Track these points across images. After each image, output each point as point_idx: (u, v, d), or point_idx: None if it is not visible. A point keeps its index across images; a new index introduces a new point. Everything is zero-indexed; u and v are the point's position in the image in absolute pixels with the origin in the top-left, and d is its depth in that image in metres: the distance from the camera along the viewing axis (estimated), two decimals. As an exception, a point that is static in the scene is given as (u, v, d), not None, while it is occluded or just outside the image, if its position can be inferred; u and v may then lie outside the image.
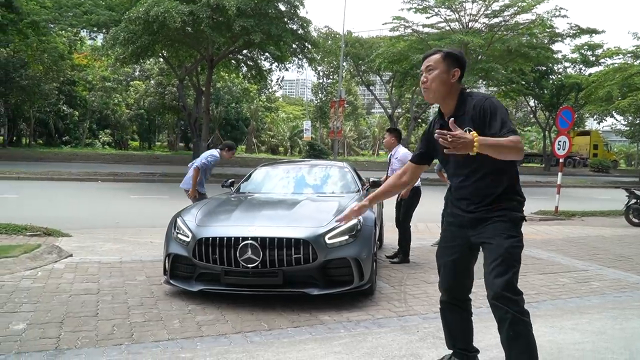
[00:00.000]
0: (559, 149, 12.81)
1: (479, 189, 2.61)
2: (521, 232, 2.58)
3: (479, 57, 23.88)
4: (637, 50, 27.53)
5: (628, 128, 46.36)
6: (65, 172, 18.58)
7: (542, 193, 19.40)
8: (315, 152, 31.75)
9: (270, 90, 40.42)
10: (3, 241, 6.46)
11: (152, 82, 40.97)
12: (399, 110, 40.48)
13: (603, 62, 32.12)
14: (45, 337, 3.45)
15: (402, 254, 6.47)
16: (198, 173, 6.84)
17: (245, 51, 22.48)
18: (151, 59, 29.52)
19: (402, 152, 6.48)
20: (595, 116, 39.26)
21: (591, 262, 6.75)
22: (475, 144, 2.23)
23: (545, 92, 35.82)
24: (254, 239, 4.22)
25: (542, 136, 42.41)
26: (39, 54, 28.27)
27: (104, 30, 23.00)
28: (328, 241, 4.34)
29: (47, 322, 3.75)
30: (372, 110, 76.31)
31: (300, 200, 5.30)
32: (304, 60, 21.24)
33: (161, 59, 27.17)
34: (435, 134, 2.30)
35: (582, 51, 33.22)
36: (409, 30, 25.11)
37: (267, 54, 22.92)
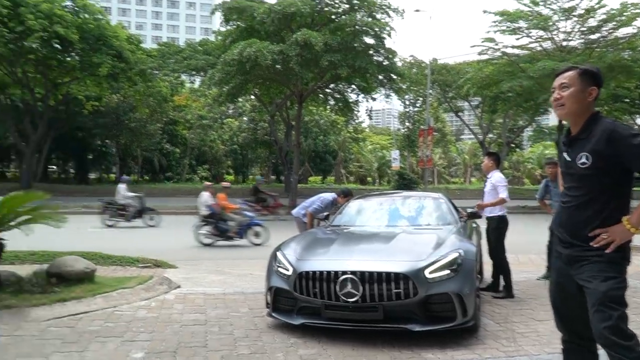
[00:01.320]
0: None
1: (573, 217, 2.48)
2: (623, 272, 2.39)
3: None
4: None
5: None
6: (170, 206, 19.97)
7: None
8: (404, 181, 31.35)
9: (356, 121, 40.96)
10: (119, 272, 7.00)
11: (244, 118, 43.16)
12: (491, 135, 39.14)
13: None
14: (162, 366, 3.66)
15: (506, 289, 6.15)
16: (312, 218, 7.07)
17: (332, 85, 23.08)
18: (243, 97, 31.18)
19: (496, 177, 6.29)
20: None
21: None
22: (633, 229, 2.33)
23: (657, 110, 32.93)
24: (354, 272, 4.23)
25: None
26: (146, 98, 30.93)
27: (201, 73, 24.74)
28: (428, 275, 4.25)
29: (162, 351, 3.99)
30: (462, 137, 74.45)
31: (397, 233, 5.26)
32: (391, 91, 21.37)
33: (253, 97, 28.62)
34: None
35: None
36: (498, 54, 24.38)
37: (353, 86, 23.36)
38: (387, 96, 22.01)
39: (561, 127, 24.79)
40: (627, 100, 29.79)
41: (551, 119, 47.89)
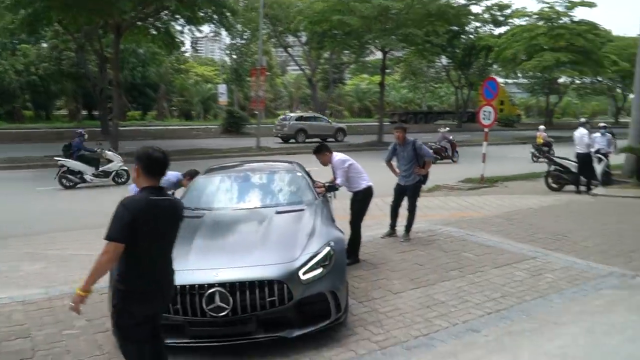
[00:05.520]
0: (484, 119, 13.02)
1: None
2: None
3: (400, 21, 23.87)
4: (542, 12, 28.93)
5: (528, 82, 49.38)
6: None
7: (461, 153, 19.96)
8: (234, 119, 30.51)
9: (180, 51, 37.95)
10: None
11: (44, 45, 36.87)
12: (318, 70, 39.88)
13: (511, 23, 33.59)
14: None
15: (353, 255, 6.12)
16: None
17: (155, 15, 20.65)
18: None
19: (334, 162, 6.21)
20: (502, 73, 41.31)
21: (534, 245, 6.87)
22: None
23: (457, 51, 36.93)
24: (222, 284, 3.69)
25: (452, 91, 43.76)
26: None
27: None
28: (303, 277, 3.93)
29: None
30: (287, 68, 74.94)
31: (263, 221, 4.73)
32: (221, 27, 19.90)
33: (57, 24, 24.30)
34: None
35: (492, 11, 34.50)
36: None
37: (177, 16, 21.22)
38: (217, 34, 20.53)
39: (385, 68, 26.12)
40: (436, 45, 32.73)
41: (377, 56, 50.61)
